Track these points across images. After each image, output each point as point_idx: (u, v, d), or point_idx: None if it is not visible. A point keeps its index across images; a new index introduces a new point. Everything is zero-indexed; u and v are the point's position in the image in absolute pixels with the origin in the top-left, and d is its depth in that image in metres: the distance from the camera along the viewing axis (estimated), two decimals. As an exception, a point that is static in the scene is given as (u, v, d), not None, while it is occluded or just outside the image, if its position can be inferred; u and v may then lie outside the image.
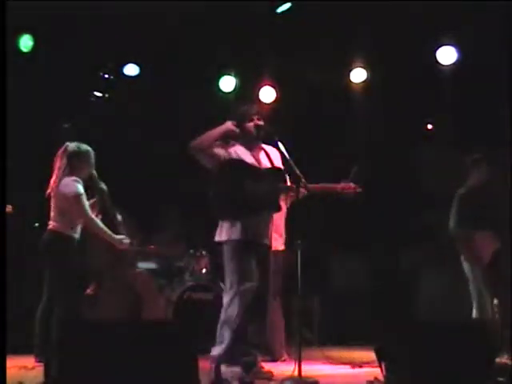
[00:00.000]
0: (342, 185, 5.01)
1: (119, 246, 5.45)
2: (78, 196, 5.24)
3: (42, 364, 4.64)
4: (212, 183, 4.82)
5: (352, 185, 5.01)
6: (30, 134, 6.89)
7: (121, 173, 5.65)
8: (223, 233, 4.90)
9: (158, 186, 7.64)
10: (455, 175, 5.89)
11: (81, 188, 5.27)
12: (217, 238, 4.97)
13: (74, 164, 5.36)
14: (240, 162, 4.92)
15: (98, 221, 5.36)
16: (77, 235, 5.34)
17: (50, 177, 5.37)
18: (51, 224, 5.33)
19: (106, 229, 5.37)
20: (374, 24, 6.76)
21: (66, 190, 5.27)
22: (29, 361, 5.42)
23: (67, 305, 5.13)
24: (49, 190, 5.37)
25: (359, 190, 5.02)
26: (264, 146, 5.08)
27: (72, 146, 5.41)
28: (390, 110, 7.49)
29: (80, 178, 5.34)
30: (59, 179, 5.31)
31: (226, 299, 4.89)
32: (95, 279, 6.38)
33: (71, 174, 5.32)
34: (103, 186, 5.57)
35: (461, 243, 5.59)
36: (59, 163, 5.38)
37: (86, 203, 5.27)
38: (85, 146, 5.44)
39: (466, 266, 5.62)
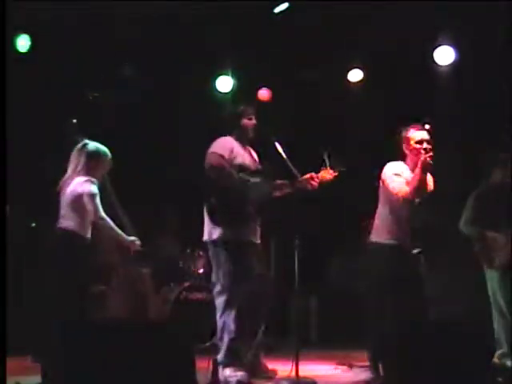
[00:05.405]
0: (321, 173, 5.00)
1: (132, 247, 5.22)
2: (92, 195, 5.00)
3: (39, 364, 4.64)
4: (214, 193, 4.78)
5: (330, 171, 5.01)
6: (26, 134, 6.87)
7: (118, 173, 5.61)
8: (216, 231, 4.83)
9: (155, 185, 7.63)
10: (454, 174, 5.87)
11: (96, 188, 5.10)
12: (206, 238, 4.90)
13: (92, 165, 5.13)
14: (241, 182, 4.84)
15: (111, 222, 5.10)
16: (88, 235, 5.21)
17: (63, 173, 5.12)
18: (62, 223, 5.08)
19: (118, 230, 5.13)
20: (372, 24, 6.77)
21: (80, 189, 5.03)
22: (26, 361, 5.42)
23: (72, 304, 5.05)
24: (59, 187, 5.11)
25: (335, 174, 5.01)
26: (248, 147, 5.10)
27: (92, 145, 5.17)
28: (386, 110, 7.49)
29: (95, 178, 5.20)
30: (73, 177, 5.09)
31: (218, 301, 4.79)
32: (101, 278, 6.32)
33: (87, 173, 5.10)
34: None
35: (475, 243, 5.46)
36: (76, 160, 5.13)
37: (99, 204, 5.06)
38: (104, 149, 5.21)
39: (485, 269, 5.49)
